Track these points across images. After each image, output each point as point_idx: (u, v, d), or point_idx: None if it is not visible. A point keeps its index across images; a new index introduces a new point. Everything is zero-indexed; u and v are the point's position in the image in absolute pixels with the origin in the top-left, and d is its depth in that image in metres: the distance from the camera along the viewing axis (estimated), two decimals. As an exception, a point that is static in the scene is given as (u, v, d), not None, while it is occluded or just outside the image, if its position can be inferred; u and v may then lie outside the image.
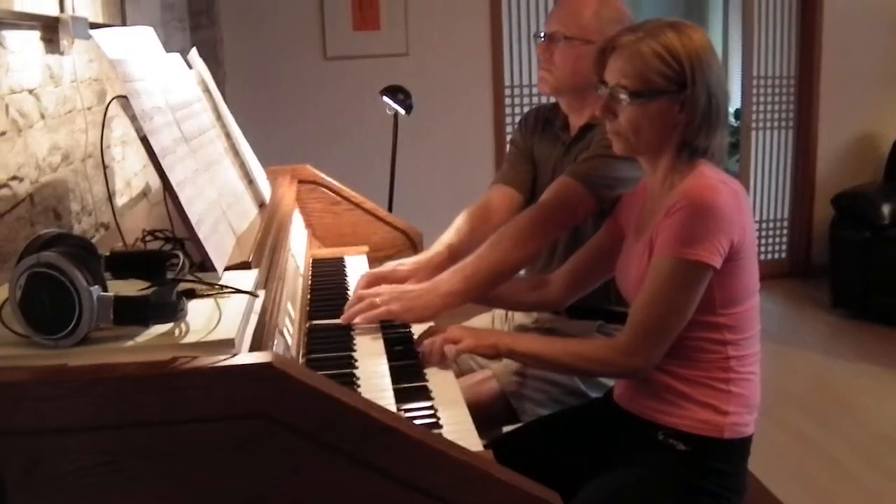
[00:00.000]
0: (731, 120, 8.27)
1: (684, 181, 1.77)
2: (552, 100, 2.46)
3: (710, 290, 1.75)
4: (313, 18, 5.12)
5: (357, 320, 1.96)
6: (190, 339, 1.22)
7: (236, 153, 2.24)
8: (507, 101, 5.44)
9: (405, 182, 4.66)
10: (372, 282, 2.13)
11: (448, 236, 2.30)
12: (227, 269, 1.58)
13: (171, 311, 1.25)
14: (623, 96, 1.80)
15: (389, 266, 2.19)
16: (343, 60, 5.16)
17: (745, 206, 1.77)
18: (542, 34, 2.32)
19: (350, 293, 2.18)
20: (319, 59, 5.17)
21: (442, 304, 2.02)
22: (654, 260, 1.77)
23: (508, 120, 5.42)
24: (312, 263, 2.51)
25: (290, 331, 1.73)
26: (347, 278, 2.40)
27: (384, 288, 2.05)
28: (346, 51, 5.16)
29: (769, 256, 6.05)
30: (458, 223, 2.33)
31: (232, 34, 4.96)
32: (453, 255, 2.23)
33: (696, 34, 1.79)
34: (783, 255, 6.07)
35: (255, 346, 1.29)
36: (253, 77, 5.09)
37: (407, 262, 2.21)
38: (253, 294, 1.43)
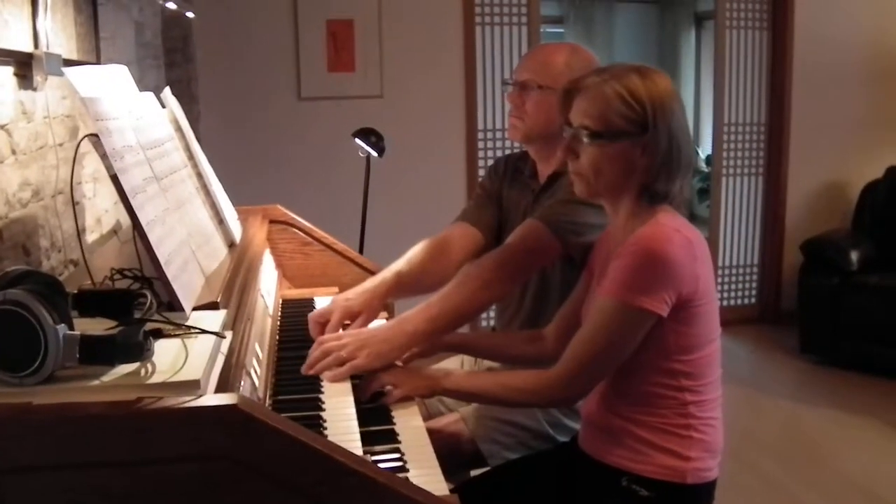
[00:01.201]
0: (703, 166, 8.42)
1: (640, 227, 1.78)
2: (521, 147, 2.46)
3: (663, 337, 1.77)
4: (288, 59, 5.14)
5: (325, 378, 1.92)
6: (156, 379, 1.22)
7: (207, 192, 2.24)
8: (480, 144, 5.46)
9: (376, 224, 4.67)
10: (324, 324, 2.12)
11: (399, 264, 2.29)
12: (195, 308, 1.58)
13: (138, 350, 1.24)
14: (585, 137, 1.81)
15: (339, 301, 2.16)
16: (317, 101, 5.17)
17: (700, 254, 1.77)
18: (512, 81, 2.33)
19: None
20: (294, 99, 5.17)
21: (407, 344, 2.01)
22: (599, 298, 1.79)
23: (481, 164, 5.41)
24: (282, 304, 2.50)
25: (257, 372, 1.72)
26: (317, 319, 2.39)
27: (347, 336, 2.02)
28: (321, 92, 5.16)
29: (738, 301, 6.08)
30: (412, 253, 2.32)
31: (207, 72, 4.95)
32: (401, 283, 2.23)
33: (661, 79, 1.81)
34: (752, 300, 6.10)
35: (222, 387, 1.29)
36: (227, 116, 5.09)
37: (354, 294, 2.18)
38: (220, 335, 1.43)
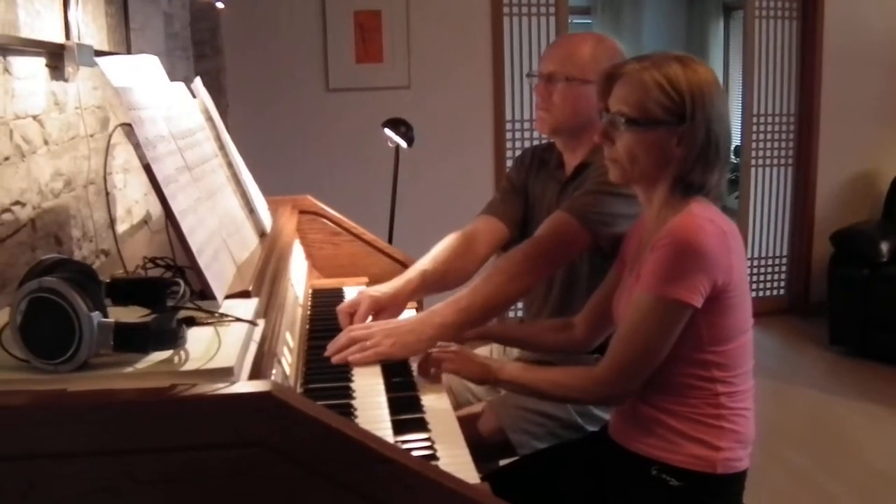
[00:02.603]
0: (731, 157, 8.28)
1: (673, 218, 1.77)
2: (547, 139, 2.47)
3: (696, 328, 1.76)
4: (316, 50, 5.14)
5: (350, 360, 1.93)
6: (189, 366, 1.22)
7: (238, 182, 2.25)
8: (508, 135, 5.45)
9: (405, 214, 4.67)
10: (353, 315, 2.12)
11: (424, 262, 2.29)
12: (227, 297, 1.58)
13: (171, 338, 1.25)
14: (622, 124, 1.80)
15: (367, 294, 2.17)
16: (345, 92, 5.17)
17: (734, 245, 1.76)
18: (537, 73, 2.33)
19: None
20: (322, 90, 5.18)
21: (436, 336, 2.01)
22: (635, 295, 1.79)
23: (509, 154, 5.42)
24: (312, 293, 2.51)
25: (288, 360, 1.72)
26: (346, 309, 2.39)
27: (375, 325, 2.04)
28: (349, 83, 5.17)
29: (767, 293, 6.05)
30: (437, 250, 2.32)
31: (235, 64, 4.98)
32: (427, 281, 2.23)
33: (703, 70, 1.80)
34: (781, 291, 6.07)
35: (254, 374, 1.29)
36: (255, 107, 5.10)
37: (382, 290, 2.19)
38: (252, 323, 1.43)
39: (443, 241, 2.35)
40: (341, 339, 1.97)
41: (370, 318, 2.13)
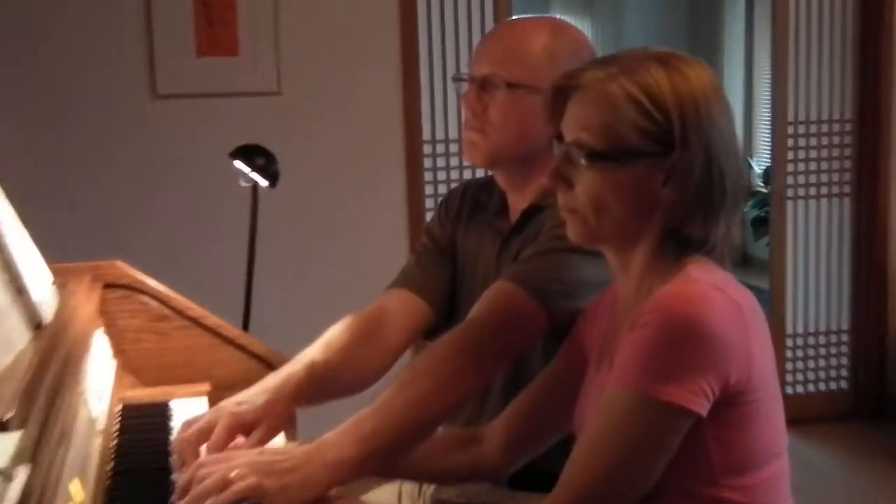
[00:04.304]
0: (758, 184, 8.36)
1: (662, 287, 1.79)
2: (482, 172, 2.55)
3: (702, 449, 1.76)
4: (134, 36, 5.10)
5: None
6: None
7: (-1, 247, 2.20)
8: (428, 164, 5.46)
9: (270, 285, 4.68)
10: (202, 440, 2.10)
11: (312, 352, 2.34)
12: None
13: None
14: (582, 158, 1.82)
15: (225, 407, 2.18)
16: (181, 100, 5.16)
17: (753, 324, 1.78)
18: (468, 77, 2.39)
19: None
20: (145, 97, 5.14)
21: (329, 479, 1.97)
22: (607, 393, 1.79)
23: (429, 193, 5.47)
24: (122, 413, 2.47)
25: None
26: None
27: (239, 456, 1.99)
28: (186, 86, 5.17)
29: (819, 387, 6.10)
30: (331, 335, 2.38)
31: (5, 60, 4.92)
32: (315, 380, 2.27)
33: (695, 72, 1.84)
34: (841, 384, 6.12)
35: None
36: (36, 129, 5.01)
37: (248, 397, 2.21)
38: (5, 475, 1.38)
39: (337, 325, 2.42)
40: (184, 480, 1.92)
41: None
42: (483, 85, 2.34)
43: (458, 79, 2.43)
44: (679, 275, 1.80)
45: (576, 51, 2.30)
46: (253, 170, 4.13)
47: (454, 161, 5.48)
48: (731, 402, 1.75)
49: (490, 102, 2.33)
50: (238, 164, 4.14)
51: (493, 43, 2.41)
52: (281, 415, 2.20)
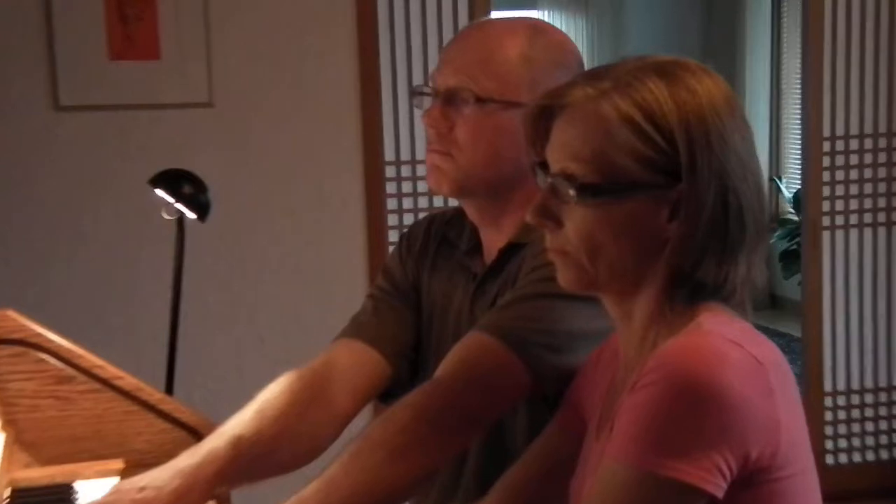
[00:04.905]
0: (788, 210, 8.40)
1: (669, 339, 1.78)
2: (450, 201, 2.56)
3: None
4: (32, 36, 5.04)
5: None
6: None
7: None
8: (391, 188, 5.45)
9: (199, 338, 4.69)
10: None
11: (241, 421, 2.32)
12: None
13: None
14: (572, 190, 1.82)
15: (126, 491, 2.18)
16: (89, 113, 5.10)
17: (780, 385, 1.75)
18: (431, 90, 2.40)
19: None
20: (44, 108, 5.07)
21: None
22: (604, 466, 1.78)
23: (393, 221, 5.45)
24: (11, 499, 2.47)
25: None
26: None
27: None
28: (96, 96, 5.10)
29: (865, 457, 6.11)
30: (265, 399, 2.37)
31: None
32: (243, 456, 2.25)
33: (702, 83, 1.83)
34: (894, 452, 6.13)
35: None
36: None
37: (158, 481, 2.19)
38: None
39: (271, 388, 2.39)
40: None
41: None
42: (448, 99, 2.33)
43: (418, 92, 2.45)
44: (689, 326, 1.79)
45: (558, 58, 2.32)
46: (178, 200, 4.10)
47: (422, 186, 5.47)
48: (754, 481, 1.73)
49: (457, 120, 2.33)
50: (160, 192, 4.11)
51: (459, 49, 2.40)
52: (198, 500, 2.20)
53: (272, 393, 2.37)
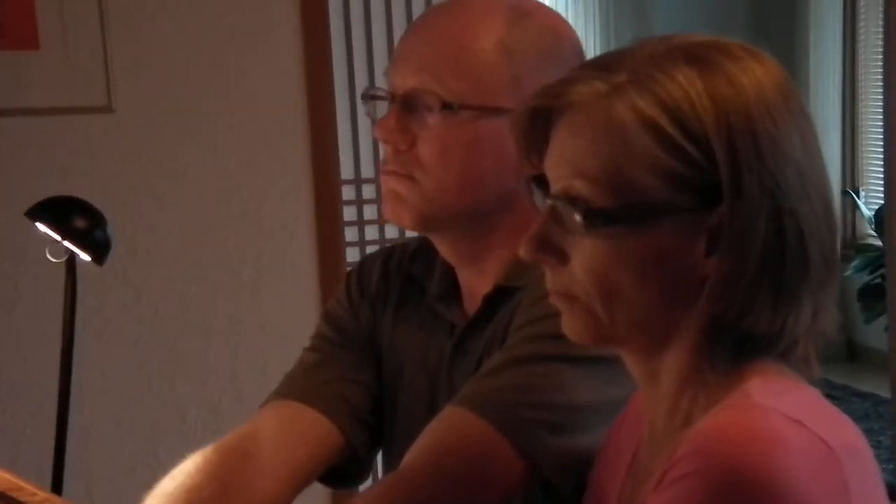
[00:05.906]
0: (869, 232, 8.12)
1: (710, 411, 1.62)
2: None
3: None
4: None
5: None
6: None
7: None
8: (349, 213, 5.09)
9: (97, 413, 4.50)
10: None
11: None
12: None
13: None
14: (577, 218, 1.65)
15: None
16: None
17: (857, 475, 1.55)
18: (385, 93, 2.27)
19: None
20: None
21: None
22: None
23: (352, 255, 5.03)
24: None
25: None
26: None
27: None
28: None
29: None
30: (168, 487, 2.18)
31: None
32: None
33: (751, 71, 1.63)
34: None
35: None
36: None
37: None
38: None
39: (180, 470, 2.20)
40: None
41: None
42: (407, 105, 2.14)
43: (370, 96, 2.28)
44: (734, 396, 1.60)
45: (549, 46, 2.12)
46: (67, 237, 3.75)
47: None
48: None
49: (419, 133, 2.14)
50: (42, 227, 3.80)
51: (420, 39, 2.21)
52: None
53: (179, 477, 2.15)
